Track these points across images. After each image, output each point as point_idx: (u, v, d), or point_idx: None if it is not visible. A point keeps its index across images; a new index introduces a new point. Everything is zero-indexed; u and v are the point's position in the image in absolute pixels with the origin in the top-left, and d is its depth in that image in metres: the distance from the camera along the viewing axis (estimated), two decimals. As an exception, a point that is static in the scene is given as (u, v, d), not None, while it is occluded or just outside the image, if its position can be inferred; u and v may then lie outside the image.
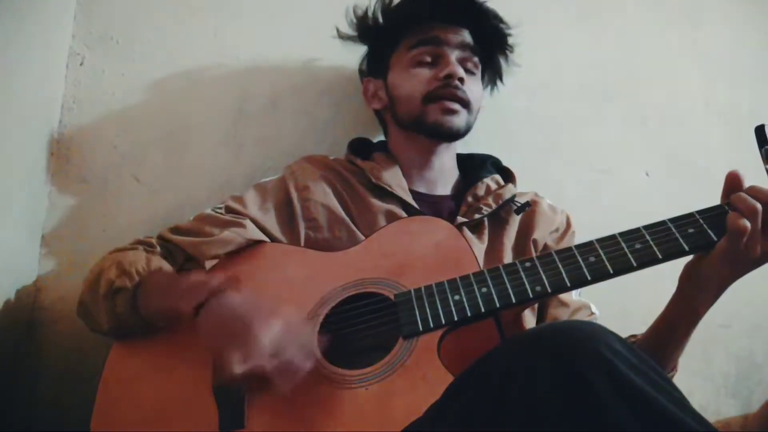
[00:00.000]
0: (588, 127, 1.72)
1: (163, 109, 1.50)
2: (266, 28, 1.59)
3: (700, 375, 1.62)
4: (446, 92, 1.27)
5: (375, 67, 1.42)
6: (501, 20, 1.38)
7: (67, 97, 1.47)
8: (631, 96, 1.77)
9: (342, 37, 1.46)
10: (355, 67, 1.52)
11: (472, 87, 1.32)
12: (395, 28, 1.35)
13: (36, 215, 1.39)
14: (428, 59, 1.31)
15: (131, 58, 1.51)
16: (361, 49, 1.49)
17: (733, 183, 0.99)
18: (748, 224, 0.91)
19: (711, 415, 1.57)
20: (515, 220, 1.31)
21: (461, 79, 1.28)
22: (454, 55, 1.30)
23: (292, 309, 0.98)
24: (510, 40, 1.41)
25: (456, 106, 1.28)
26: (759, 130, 1.02)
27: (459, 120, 1.29)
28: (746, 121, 1.79)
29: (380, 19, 1.40)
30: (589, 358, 0.71)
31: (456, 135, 1.31)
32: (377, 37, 1.41)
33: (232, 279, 1.01)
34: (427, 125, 1.29)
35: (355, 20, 1.44)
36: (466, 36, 1.33)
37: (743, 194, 0.95)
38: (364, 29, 1.43)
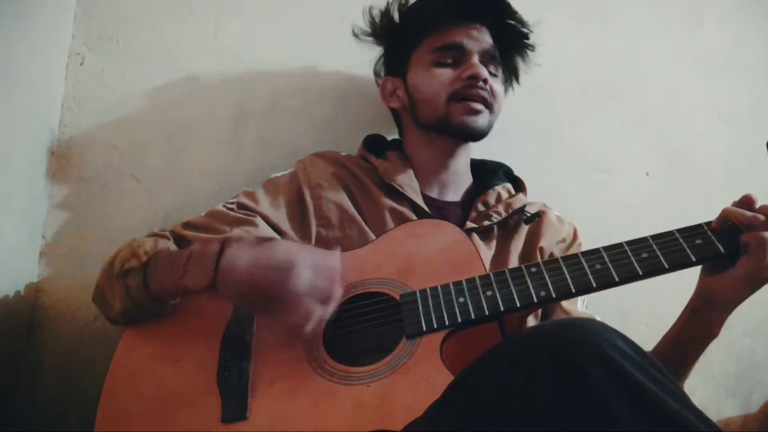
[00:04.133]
0: (588, 127, 1.73)
1: (163, 109, 1.50)
2: (266, 29, 1.59)
3: (701, 374, 1.62)
4: (471, 92, 1.27)
5: (393, 66, 1.40)
6: (521, 20, 1.37)
7: (67, 97, 1.47)
8: (632, 96, 1.77)
9: (358, 37, 1.45)
10: (356, 68, 1.53)
11: (495, 87, 1.31)
12: (416, 29, 1.34)
13: (36, 215, 1.39)
14: (450, 60, 1.30)
15: (131, 58, 1.51)
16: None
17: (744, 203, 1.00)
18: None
19: (711, 415, 1.55)
20: (523, 230, 1.31)
21: (485, 80, 1.28)
22: (476, 57, 1.30)
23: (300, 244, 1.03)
24: (530, 40, 1.41)
25: (480, 107, 1.28)
26: None
27: (482, 120, 1.29)
28: (746, 122, 1.80)
29: (399, 19, 1.39)
30: (591, 354, 0.71)
31: (480, 135, 1.31)
32: (397, 36, 1.40)
33: (226, 240, 1.03)
34: (451, 126, 1.28)
35: (374, 21, 1.43)
36: (488, 38, 1.33)
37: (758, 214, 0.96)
38: (384, 30, 1.42)
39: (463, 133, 1.29)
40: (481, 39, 1.32)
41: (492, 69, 1.33)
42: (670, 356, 1.08)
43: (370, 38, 1.45)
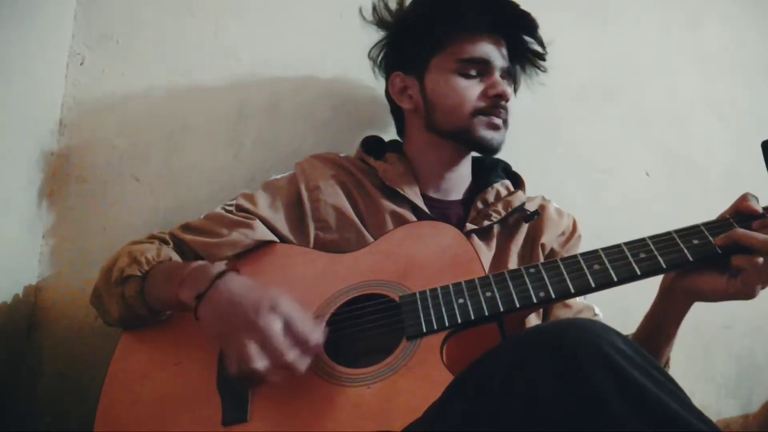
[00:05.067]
0: (588, 127, 1.72)
1: (163, 109, 1.50)
2: (266, 29, 1.59)
3: (701, 376, 1.62)
4: (495, 111, 1.28)
5: (406, 62, 1.37)
6: (542, 41, 1.39)
7: (67, 97, 1.47)
8: (632, 96, 1.77)
9: (365, 18, 1.43)
10: (356, 69, 1.52)
11: (509, 105, 1.32)
12: (442, 33, 1.31)
13: (36, 215, 1.39)
14: (474, 72, 1.29)
15: (131, 58, 1.51)
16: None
17: (744, 207, 0.98)
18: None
19: (711, 416, 1.56)
20: (523, 228, 1.31)
21: (507, 99, 1.29)
22: (498, 72, 1.30)
23: (292, 296, 0.99)
24: (545, 62, 1.42)
25: (500, 123, 1.29)
26: (766, 145, 1.01)
27: (500, 136, 1.30)
28: (746, 122, 1.80)
29: (419, 15, 1.36)
30: (591, 355, 0.71)
31: (496, 150, 1.31)
32: (414, 32, 1.36)
33: (233, 266, 1.03)
34: (472, 138, 1.28)
35: (388, 8, 1.41)
36: (506, 55, 1.34)
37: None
38: (398, 20, 1.40)
39: (481, 147, 1.30)
40: (504, 55, 1.33)
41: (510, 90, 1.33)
42: (650, 335, 1.10)
43: (378, 24, 1.42)
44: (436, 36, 1.32)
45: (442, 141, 1.32)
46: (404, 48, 1.39)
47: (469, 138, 1.28)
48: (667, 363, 1.14)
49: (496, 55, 1.30)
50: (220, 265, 1.03)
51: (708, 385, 1.62)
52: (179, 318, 1.11)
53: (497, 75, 1.29)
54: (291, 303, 0.96)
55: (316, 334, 0.95)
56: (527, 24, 1.34)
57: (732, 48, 1.87)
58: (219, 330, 0.97)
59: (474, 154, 1.40)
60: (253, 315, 0.93)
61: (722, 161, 1.77)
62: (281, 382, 0.93)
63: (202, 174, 1.49)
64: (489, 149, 1.30)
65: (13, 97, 1.28)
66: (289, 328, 0.93)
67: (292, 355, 0.92)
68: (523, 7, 1.38)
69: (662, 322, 1.09)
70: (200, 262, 1.06)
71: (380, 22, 1.42)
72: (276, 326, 0.92)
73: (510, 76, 1.36)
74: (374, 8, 1.42)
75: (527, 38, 1.37)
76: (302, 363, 0.93)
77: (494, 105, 1.27)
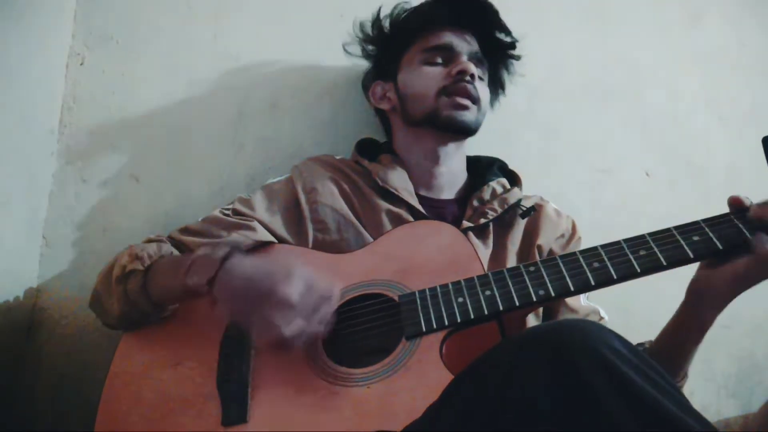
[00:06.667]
0: (588, 127, 1.72)
1: (163, 109, 1.50)
2: (266, 29, 1.59)
3: (701, 375, 1.62)
4: (459, 87, 1.29)
5: (383, 70, 1.43)
6: (508, 30, 1.41)
7: (67, 97, 1.47)
8: (631, 96, 1.77)
9: (349, 53, 1.50)
10: (355, 68, 1.52)
11: (481, 87, 1.34)
12: (407, 32, 1.38)
13: (36, 215, 1.39)
14: (440, 60, 1.33)
15: (131, 58, 1.51)
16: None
17: (734, 199, 0.98)
18: None
19: (711, 416, 1.57)
20: (520, 225, 1.31)
21: (472, 75, 1.31)
22: (465, 56, 1.33)
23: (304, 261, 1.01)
24: (516, 50, 1.44)
25: (467, 102, 1.30)
26: (766, 141, 1.01)
27: (470, 115, 1.31)
28: (746, 121, 1.80)
29: (391, 29, 1.43)
30: (589, 356, 0.71)
31: (467, 129, 1.32)
32: (387, 43, 1.43)
33: (236, 246, 1.04)
34: (440, 119, 1.29)
35: (365, 33, 1.47)
36: (475, 44, 1.36)
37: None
38: (375, 39, 1.46)
39: (451, 127, 1.30)
40: (470, 43, 1.36)
41: (479, 72, 1.35)
42: (668, 347, 1.09)
43: (360, 53, 1.49)
44: (403, 36, 1.38)
45: (420, 131, 1.34)
46: (379, 60, 1.45)
47: (438, 120, 1.30)
48: (685, 376, 1.12)
49: (459, 42, 1.34)
50: (224, 248, 1.02)
51: (708, 385, 1.62)
52: (179, 318, 1.12)
53: (463, 58, 1.32)
54: (304, 266, 0.97)
55: (335, 288, 0.98)
56: (486, 11, 1.37)
57: (732, 48, 1.87)
58: (238, 308, 0.98)
59: (469, 153, 1.42)
60: (271, 285, 0.94)
61: (722, 161, 1.77)
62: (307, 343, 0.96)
63: (202, 174, 1.49)
64: (460, 128, 1.31)
65: (13, 97, 1.28)
66: (309, 290, 0.95)
67: (317, 314, 0.95)
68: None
69: (687, 332, 1.06)
70: (205, 248, 1.05)
71: (364, 52, 1.49)
72: (296, 291, 0.93)
73: (482, 64, 1.38)
74: (360, 43, 1.48)
75: (496, 32, 1.40)
76: (327, 318, 0.97)
77: (457, 81, 1.29)
